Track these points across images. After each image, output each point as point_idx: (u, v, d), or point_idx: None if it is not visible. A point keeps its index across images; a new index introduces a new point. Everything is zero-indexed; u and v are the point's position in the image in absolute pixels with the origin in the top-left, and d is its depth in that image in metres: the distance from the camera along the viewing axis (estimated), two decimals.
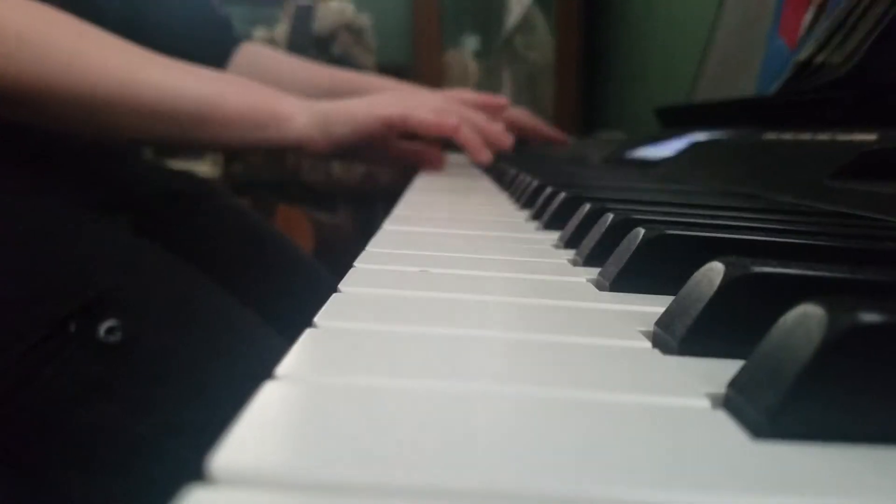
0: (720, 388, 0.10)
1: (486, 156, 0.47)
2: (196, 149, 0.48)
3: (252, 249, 0.50)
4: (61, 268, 0.34)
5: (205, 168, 1.25)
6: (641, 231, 0.16)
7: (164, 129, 0.38)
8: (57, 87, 0.34)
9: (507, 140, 0.49)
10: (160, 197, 0.47)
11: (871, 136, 0.27)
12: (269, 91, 0.42)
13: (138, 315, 0.33)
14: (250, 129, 0.39)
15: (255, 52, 0.57)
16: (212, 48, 0.53)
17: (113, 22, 0.38)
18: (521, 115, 0.68)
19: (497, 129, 0.48)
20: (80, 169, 0.42)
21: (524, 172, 0.39)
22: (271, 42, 1.37)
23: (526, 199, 0.33)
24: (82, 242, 0.36)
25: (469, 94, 0.51)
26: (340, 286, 0.14)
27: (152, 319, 0.34)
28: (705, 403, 0.09)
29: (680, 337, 0.11)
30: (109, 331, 0.32)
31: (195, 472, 0.07)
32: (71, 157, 0.42)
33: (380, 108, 0.43)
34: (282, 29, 1.33)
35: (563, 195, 0.26)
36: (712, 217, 0.22)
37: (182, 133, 0.38)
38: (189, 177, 0.53)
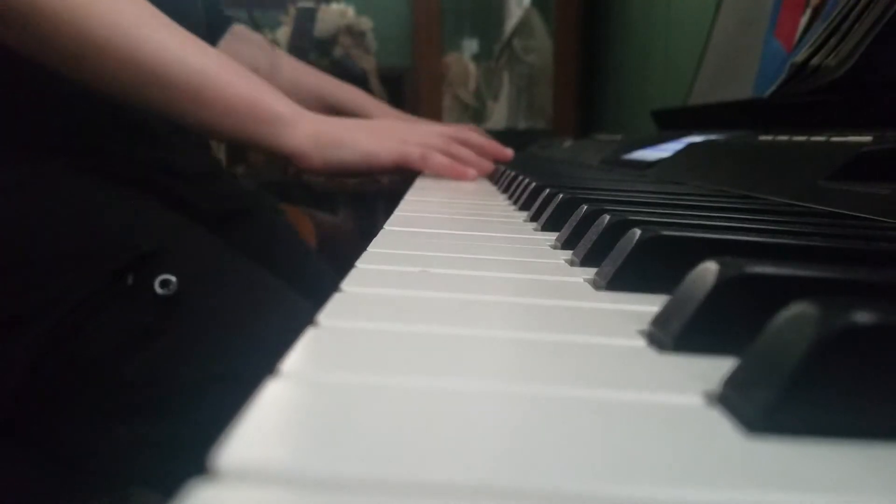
0: (715, 385, 0.10)
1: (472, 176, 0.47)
2: (188, 128, 0.47)
3: (273, 251, 0.50)
4: (118, 224, 0.35)
5: None
6: (637, 232, 0.16)
7: (155, 95, 0.36)
8: (57, 20, 0.33)
9: (490, 168, 0.49)
10: (210, 206, 0.47)
11: (866, 138, 0.27)
12: (269, 88, 0.40)
13: (188, 270, 0.34)
14: (242, 120, 0.38)
15: (245, 36, 0.57)
16: (203, 27, 0.54)
17: None
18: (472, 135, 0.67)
19: (482, 162, 0.48)
20: (142, 173, 0.41)
21: (522, 174, 0.39)
22: (274, 44, 1.36)
23: (524, 201, 0.33)
24: (136, 206, 0.37)
25: (470, 133, 0.50)
26: (342, 286, 0.14)
27: (200, 276, 0.35)
28: (700, 400, 0.09)
29: (675, 335, 0.12)
30: (164, 284, 0.33)
31: (199, 467, 0.07)
32: (132, 159, 0.41)
33: (392, 147, 0.42)
34: (284, 31, 1.33)
35: (560, 196, 0.26)
36: (707, 218, 0.22)
37: (172, 104, 0.37)
38: (233, 185, 0.53)
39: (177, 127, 0.45)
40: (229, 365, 0.32)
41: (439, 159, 0.44)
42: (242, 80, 0.39)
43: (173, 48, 0.36)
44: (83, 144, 0.39)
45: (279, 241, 0.51)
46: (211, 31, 0.55)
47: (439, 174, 0.45)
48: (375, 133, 0.43)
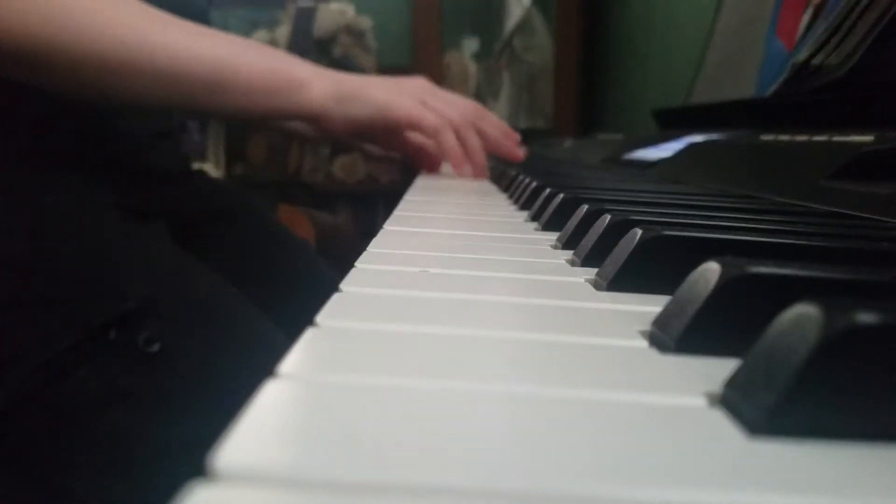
0: (717, 386, 0.10)
1: (468, 172, 0.47)
2: (211, 117, 0.47)
3: (270, 254, 0.49)
4: (103, 274, 0.34)
5: (208, 168, 1.25)
6: (639, 232, 0.16)
7: (178, 95, 0.36)
8: (69, 45, 0.33)
9: (483, 172, 0.49)
10: (194, 206, 0.47)
11: (868, 137, 0.27)
12: (285, 56, 0.41)
13: (175, 326, 0.33)
14: (264, 95, 0.38)
15: None
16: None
17: None
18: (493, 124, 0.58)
19: (483, 161, 0.48)
20: (121, 177, 0.41)
21: (523, 173, 0.39)
22: (272, 44, 1.37)
23: (525, 200, 0.33)
24: (126, 248, 0.36)
25: (490, 119, 0.49)
26: (342, 286, 0.14)
27: (188, 330, 0.34)
28: (702, 402, 0.09)
29: (677, 336, 0.12)
30: (148, 341, 0.32)
31: (198, 469, 0.07)
32: (112, 165, 0.41)
33: (409, 104, 0.41)
34: (283, 31, 1.33)
35: (561, 196, 0.26)
36: (709, 218, 0.22)
37: (196, 99, 0.37)
38: (213, 183, 0.53)
39: (154, 131, 0.43)
40: (214, 428, 0.31)
41: (450, 139, 0.43)
42: (256, 56, 0.39)
43: (186, 46, 0.36)
44: (62, 153, 0.39)
45: (272, 241, 0.51)
46: None
47: (443, 155, 0.44)
48: (395, 89, 0.42)
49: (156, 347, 0.32)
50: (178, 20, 0.37)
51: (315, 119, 0.40)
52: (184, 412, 0.32)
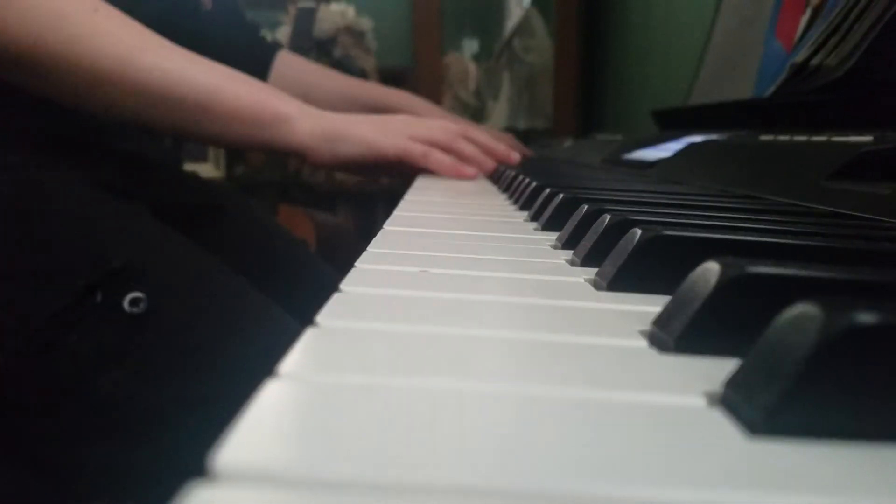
0: (716, 386, 0.10)
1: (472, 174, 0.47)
2: (196, 142, 0.49)
3: (265, 251, 0.50)
4: (88, 239, 0.34)
5: (208, 169, 1.25)
6: (638, 232, 0.16)
7: (164, 115, 0.37)
8: (62, 56, 0.34)
9: (491, 167, 0.49)
10: (184, 199, 0.48)
11: (867, 138, 0.27)
12: (273, 91, 0.41)
13: (161, 288, 0.34)
14: (249, 126, 0.39)
15: (286, 61, 0.58)
16: (252, 58, 0.53)
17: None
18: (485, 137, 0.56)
19: (485, 160, 0.49)
20: (102, 158, 0.41)
21: (523, 174, 0.39)
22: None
23: (524, 201, 0.33)
24: (109, 218, 0.36)
25: (477, 130, 0.50)
26: (342, 286, 0.14)
27: (173, 293, 0.34)
28: (702, 401, 0.09)
29: (676, 336, 0.12)
30: (133, 302, 0.32)
31: (197, 468, 0.07)
32: (91, 146, 0.41)
33: (396, 140, 0.42)
34: (284, 32, 1.33)
35: (561, 196, 0.26)
36: (709, 218, 0.22)
37: (180, 122, 0.38)
38: (205, 182, 0.53)
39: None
40: (205, 390, 0.31)
41: (440, 157, 0.44)
42: (246, 88, 0.39)
43: (178, 69, 0.37)
44: (50, 137, 0.39)
45: (267, 238, 0.51)
46: (257, 60, 0.55)
47: (439, 172, 0.45)
48: (381, 127, 0.43)
49: (141, 308, 0.32)
50: (172, 44, 0.38)
51: (300, 154, 0.41)
52: (174, 373, 0.32)
